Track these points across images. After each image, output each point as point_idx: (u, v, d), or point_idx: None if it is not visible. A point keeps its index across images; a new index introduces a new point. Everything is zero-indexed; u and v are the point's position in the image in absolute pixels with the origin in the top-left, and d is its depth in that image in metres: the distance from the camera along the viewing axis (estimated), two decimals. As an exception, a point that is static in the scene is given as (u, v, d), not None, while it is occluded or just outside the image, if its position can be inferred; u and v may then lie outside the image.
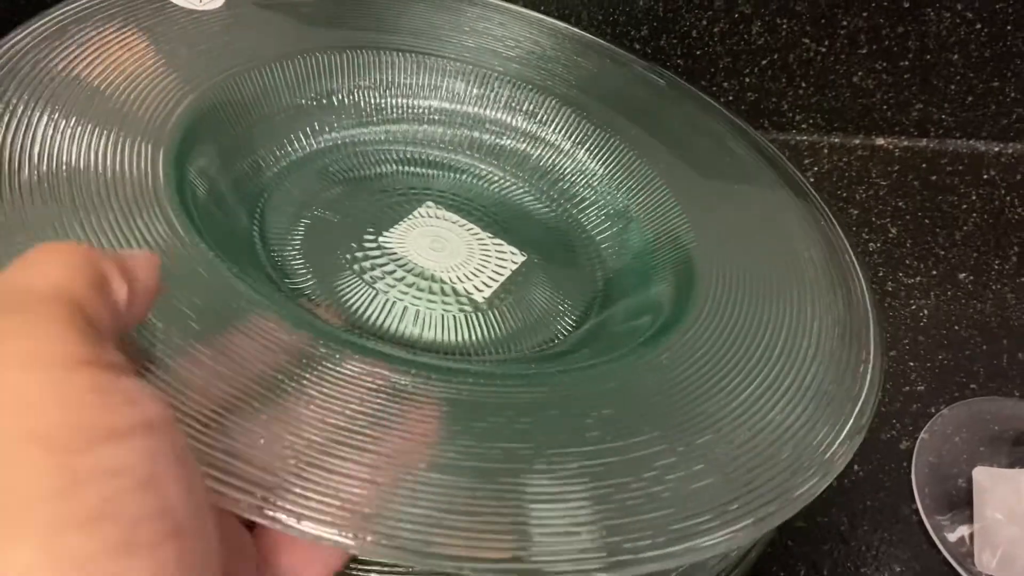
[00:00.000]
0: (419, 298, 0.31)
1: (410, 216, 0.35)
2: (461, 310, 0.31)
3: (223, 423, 0.19)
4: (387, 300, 0.30)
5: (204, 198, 0.29)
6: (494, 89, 0.40)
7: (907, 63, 0.53)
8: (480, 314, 0.31)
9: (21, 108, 0.27)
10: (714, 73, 0.53)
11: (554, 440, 0.22)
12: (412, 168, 0.38)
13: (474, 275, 0.33)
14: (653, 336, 0.28)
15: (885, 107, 0.55)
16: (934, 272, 0.49)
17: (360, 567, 0.24)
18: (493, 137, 0.40)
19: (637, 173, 0.37)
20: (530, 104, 0.40)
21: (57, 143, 0.26)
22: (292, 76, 0.36)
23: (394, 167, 0.38)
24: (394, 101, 0.39)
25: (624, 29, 0.51)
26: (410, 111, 0.39)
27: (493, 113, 0.40)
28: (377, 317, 0.30)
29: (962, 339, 0.45)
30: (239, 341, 0.22)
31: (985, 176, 0.55)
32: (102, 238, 0.24)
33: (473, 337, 0.30)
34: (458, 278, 0.32)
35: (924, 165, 0.55)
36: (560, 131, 0.39)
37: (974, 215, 0.52)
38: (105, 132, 0.27)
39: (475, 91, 0.40)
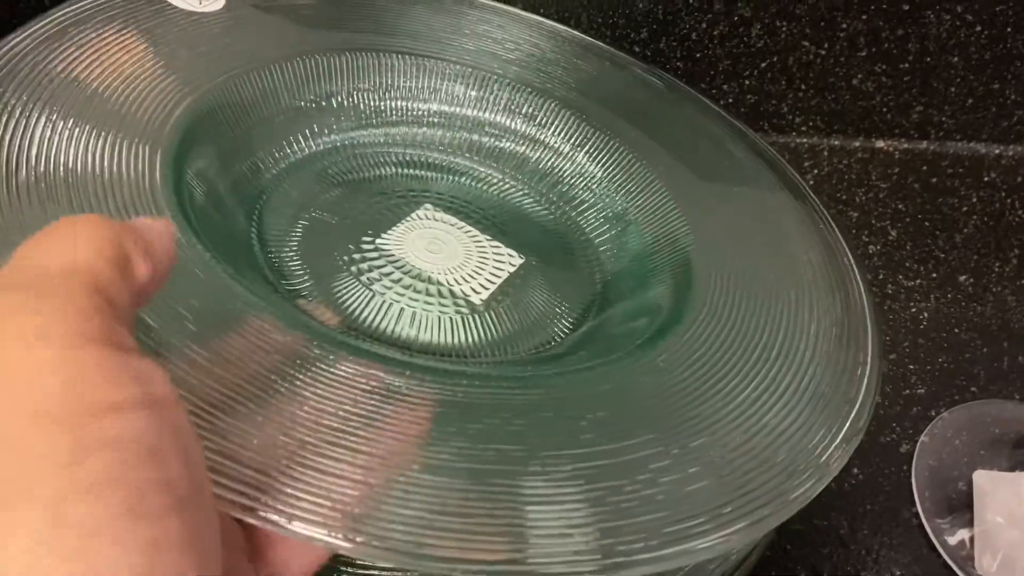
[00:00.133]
0: (416, 300, 0.31)
1: (408, 218, 0.34)
2: (458, 312, 0.31)
3: (217, 423, 0.19)
4: (384, 302, 0.30)
5: (202, 200, 0.29)
6: (493, 92, 0.40)
7: (907, 65, 0.52)
8: (477, 316, 0.31)
9: (19, 109, 0.27)
10: (714, 76, 0.53)
11: (548, 442, 0.22)
12: (411, 170, 0.38)
13: (471, 277, 0.33)
14: (650, 338, 0.28)
15: (885, 109, 0.55)
16: (934, 275, 0.49)
17: (359, 570, 0.24)
18: (492, 140, 0.40)
19: (636, 176, 0.37)
20: (529, 107, 0.40)
21: (55, 144, 0.26)
22: (291, 78, 0.36)
23: (393, 169, 0.37)
24: (393, 103, 0.39)
25: (624, 32, 0.51)
26: (409, 113, 0.39)
27: (492, 116, 0.40)
28: (374, 318, 0.30)
29: (962, 342, 0.45)
30: (234, 342, 0.22)
31: (985, 178, 0.55)
32: None
33: (470, 339, 0.30)
34: (455, 280, 0.32)
35: (924, 167, 0.55)
36: (559, 134, 0.39)
37: (974, 217, 0.52)
38: (103, 134, 0.27)
39: (474, 94, 0.40)
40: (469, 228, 0.35)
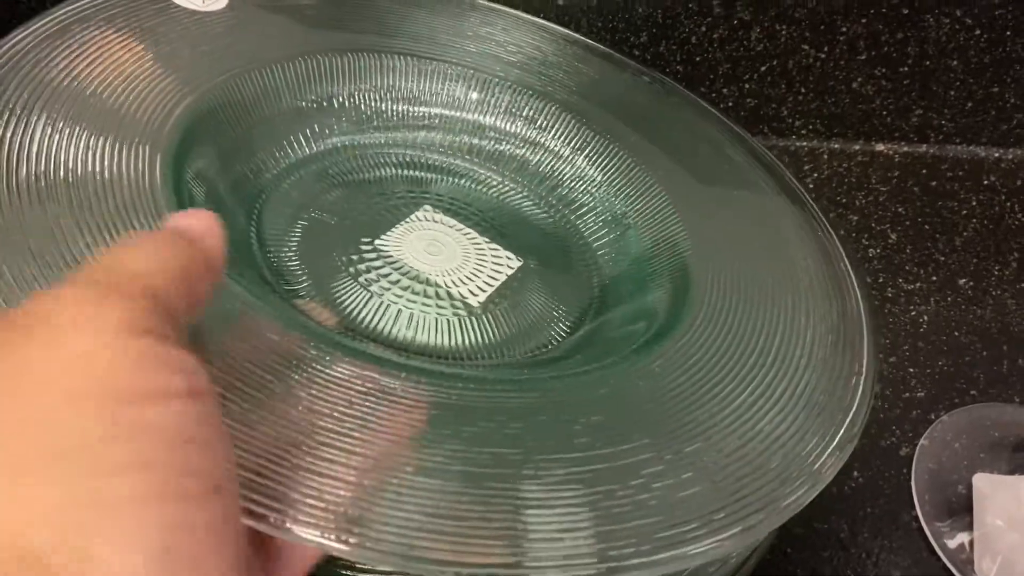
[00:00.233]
0: (414, 301, 0.31)
1: (407, 220, 0.34)
2: (455, 314, 0.31)
3: None
4: (382, 303, 0.30)
5: (202, 199, 0.29)
6: (494, 94, 0.40)
7: (907, 69, 0.52)
8: (474, 318, 0.31)
9: (20, 108, 0.27)
10: (713, 79, 0.53)
11: (543, 446, 0.22)
12: (411, 172, 0.38)
13: (469, 279, 0.32)
14: (646, 343, 0.28)
15: (885, 113, 0.54)
16: (934, 278, 0.49)
17: (357, 572, 0.24)
18: (492, 142, 0.40)
19: (635, 180, 0.37)
20: (530, 110, 0.40)
21: (56, 143, 0.26)
22: (293, 78, 0.36)
23: (393, 171, 0.37)
24: (394, 105, 0.39)
25: (623, 36, 0.50)
26: (410, 115, 0.39)
27: (493, 118, 0.40)
28: (371, 319, 0.29)
29: (962, 345, 0.45)
30: (230, 342, 0.22)
31: (985, 182, 0.54)
32: (98, 238, 0.24)
33: (467, 341, 0.30)
34: (453, 282, 0.32)
35: (924, 171, 0.55)
36: (560, 137, 0.39)
37: (974, 221, 0.52)
38: (104, 133, 0.27)
39: (475, 96, 0.40)
40: (468, 230, 0.35)
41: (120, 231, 0.24)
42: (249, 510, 0.18)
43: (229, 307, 0.23)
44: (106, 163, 0.26)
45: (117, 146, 0.27)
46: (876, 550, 0.36)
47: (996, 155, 0.56)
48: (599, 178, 0.38)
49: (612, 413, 0.24)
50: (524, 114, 0.40)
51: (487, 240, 0.35)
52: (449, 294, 0.31)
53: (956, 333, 0.45)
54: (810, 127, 0.55)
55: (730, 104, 0.54)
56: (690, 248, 0.33)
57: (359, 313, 0.30)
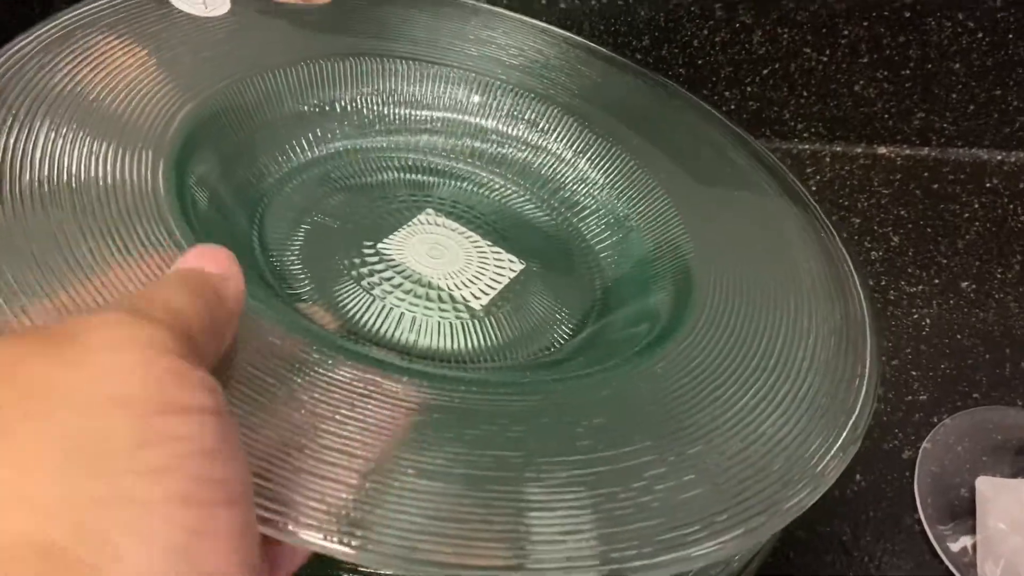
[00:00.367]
0: (416, 305, 0.31)
1: (410, 223, 0.34)
2: (458, 317, 0.31)
3: None
4: (384, 306, 0.30)
5: (204, 203, 0.29)
6: (496, 98, 0.40)
7: (908, 72, 0.52)
8: (477, 321, 0.31)
9: (24, 113, 0.27)
10: (716, 82, 0.53)
11: (546, 448, 0.22)
12: (413, 175, 0.38)
13: (472, 282, 0.32)
14: (649, 345, 0.28)
15: (887, 116, 0.54)
16: (936, 281, 0.48)
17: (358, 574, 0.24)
18: (495, 146, 0.40)
19: (638, 182, 0.37)
20: (532, 113, 0.40)
21: (59, 148, 0.26)
22: (295, 83, 0.36)
23: (395, 174, 0.37)
24: (396, 109, 0.39)
25: (626, 39, 0.50)
26: (412, 119, 0.39)
27: (495, 122, 0.40)
28: (374, 323, 0.29)
29: (964, 348, 0.45)
30: (233, 345, 0.21)
31: (987, 184, 0.54)
32: (101, 243, 0.24)
33: (469, 344, 0.30)
34: (455, 285, 0.32)
35: (926, 174, 0.55)
36: (562, 140, 0.39)
37: (976, 224, 0.52)
38: (106, 138, 0.27)
39: (477, 99, 0.40)
40: (470, 233, 0.35)
41: (123, 236, 0.24)
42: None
43: None
44: (109, 168, 0.26)
45: (120, 151, 0.27)
46: (879, 553, 0.36)
47: (998, 158, 0.56)
48: (601, 181, 0.38)
49: (614, 415, 0.24)
50: (526, 117, 0.40)
51: (489, 243, 0.35)
52: (452, 297, 0.31)
53: (959, 336, 0.45)
54: (812, 130, 0.55)
55: (732, 107, 0.54)
56: (692, 250, 0.33)
57: (362, 317, 0.30)
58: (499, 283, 0.33)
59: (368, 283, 0.31)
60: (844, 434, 0.25)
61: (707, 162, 0.39)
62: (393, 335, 0.29)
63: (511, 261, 0.34)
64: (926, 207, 0.53)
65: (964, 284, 0.48)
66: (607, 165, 0.38)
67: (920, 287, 0.48)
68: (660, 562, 0.20)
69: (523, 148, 0.40)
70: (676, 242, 0.34)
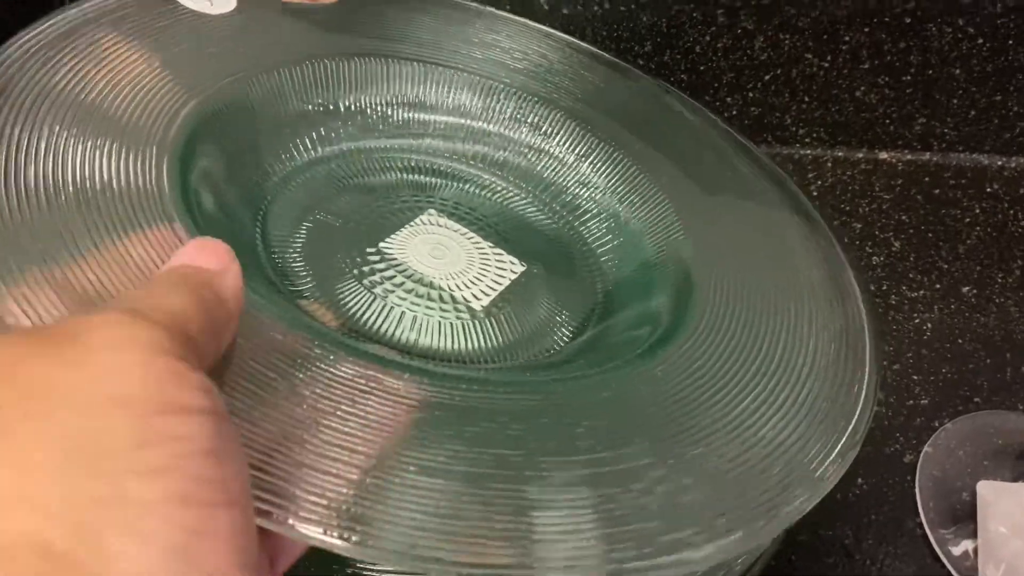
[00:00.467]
0: (417, 304, 0.30)
1: (412, 223, 0.34)
2: (458, 318, 0.31)
3: None
4: (385, 305, 0.30)
5: (207, 201, 0.29)
6: (500, 101, 0.39)
7: (909, 78, 0.52)
8: (477, 322, 0.31)
9: (28, 109, 0.26)
10: (718, 88, 0.53)
11: (545, 448, 0.22)
12: (416, 176, 0.37)
13: (473, 283, 0.32)
14: (649, 348, 0.28)
15: (888, 121, 0.54)
16: (937, 285, 0.48)
17: (358, 569, 0.24)
18: (497, 148, 0.39)
19: (640, 187, 0.37)
20: (535, 116, 0.39)
21: (62, 146, 0.26)
22: (300, 82, 0.35)
23: (398, 175, 0.37)
24: (400, 110, 0.39)
25: (628, 45, 0.50)
26: (416, 120, 0.39)
27: (498, 125, 0.40)
28: (375, 322, 0.29)
29: (966, 353, 0.45)
30: (233, 343, 0.21)
31: (988, 189, 0.54)
32: (105, 239, 0.23)
33: (469, 345, 0.30)
34: (457, 286, 0.32)
35: (927, 179, 0.55)
36: (564, 144, 0.39)
37: (977, 228, 0.52)
38: (110, 135, 0.27)
39: (481, 102, 0.39)
40: (472, 235, 0.35)
41: (127, 232, 0.24)
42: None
43: None
44: (112, 165, 0.26)
45: (123, 148, 0.27)
46: (880, 557, 0.36)
47: (999, 163, 0.56)
48: (603, 185, 0.38)
49: (615, 417, 0.24)
50: (529, 120, 0.39)
51: (491, 245, 0.34)
52: (453, 298, 0.31)
53: (960, 340, 0.45)
54: (814, 135, 0.55)
55: (734, 113, 0.54)
56: (693, 254, 0.33)
57: (363, 315, 0.29)
58: (500, 284, 0.33)
59: (369, 281, 0.31)
60: (843, 439, 0.25)
61: (709, 168, 0.38)
62: (394, 334, 0.29)
63: (512, 263, 0.34)
64: (927, 212, 0.53)
65: (965, 289, 0.48)
66: (609, 169, 0.38)
67: (921, 292, 0.48)
68: (660, 563, 0.20)
69: (526, 151, 0.39)
70: (677, 246, 0.34)
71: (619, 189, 0.37)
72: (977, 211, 0.53)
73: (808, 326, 0.29)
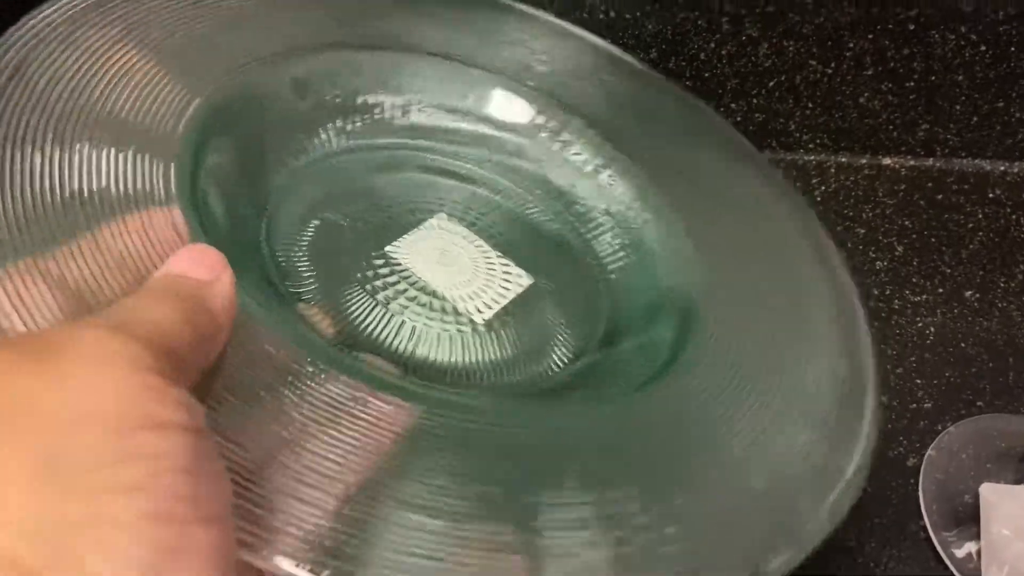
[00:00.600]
0: (419, 313, 0.30)
1: (421, 227, 0.33)
2: (459, 330, 0.30)
3: None
4: (386, 312, 0.29)
5: (213, 195, 0.28)
6: (520, 103, 0.38)
7: (913, 84, 0.52)
8: (478, 336, 0.30)
9: (30, 107, 0.25)
10: (722, 94, 0.53)
11: (531, 489, 0.21)
12: (429, 177, 0.36)
13: (477, 295, 0.31)
14: (645, 384, 0.27)
15: (891, 127, 0.54)
16: (940, 290, 0.48)
17: None
18: (514, 153, 0.38)
19: (655, 207, 0.35)
20: (555, 122, 0.38)
21: (64, 142, 0.25)
22: (313, 75, 0.34)
23: (410, 174, 0.36)
24: (417, 108, 0.37)
25: (633, 52, 0.50)
26: (432, 119, 0.37)
27: (516, 129, 0.38)
28: (373, 328, 0.28)
29: (968, 356, 0.44)
30: (223, 353, 0.20)
31: (991, 195, 0.54)
32: (106, 235, 0.22)
33: (466, 359, 0.29)
34: (461, 296, 0.31)
35: (930, 184, 0.55)
36: (582, 154, 0.37)
37: (980, 233, 0.52)
38: (114, 129, 0.26)
39: (500, 104, 0.38)
40: (481, 243, 0.34)
41: (127, 227, 0.23)
42: None
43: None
44: (115, 162, 0.25)
45: (129, 143, 0.25)
46: (884, 559, 0.36)
47: (1001, 168, 0.56)
48: (618, 198, 0.36)
49: (604, 459, 0.23)
50: (549, 126, 0.38)
51: (499, 255, 0.33)
52: (455, 308, 0.30)
53: (962, 345, 0.45)
54: (817, 141, 0.55)
55: (738, 119, 0.53)
56: (701, 286, 0.31)
57: (362, 320, 0.29)
58: (505, 297, 0.32)
59: (372, 287, 0.30)
60: (834, 495, 0.24)
61: (732, 194, 0.37)
62: (391, 343, 0.28)
63: (519, 276, 0.33)
64: (930, 217, 0.52)
65: (968, 293, 0.48)
66: (626, 184, 0.36)
67: (924, 296, 0.48)
68: None
69: (543, 157, 0.38)
70: (687, 276, 0.32)
71: (633, 207, 0.36)
72: (980, 216, 0.53)
73: (812, 373, 0.28)
